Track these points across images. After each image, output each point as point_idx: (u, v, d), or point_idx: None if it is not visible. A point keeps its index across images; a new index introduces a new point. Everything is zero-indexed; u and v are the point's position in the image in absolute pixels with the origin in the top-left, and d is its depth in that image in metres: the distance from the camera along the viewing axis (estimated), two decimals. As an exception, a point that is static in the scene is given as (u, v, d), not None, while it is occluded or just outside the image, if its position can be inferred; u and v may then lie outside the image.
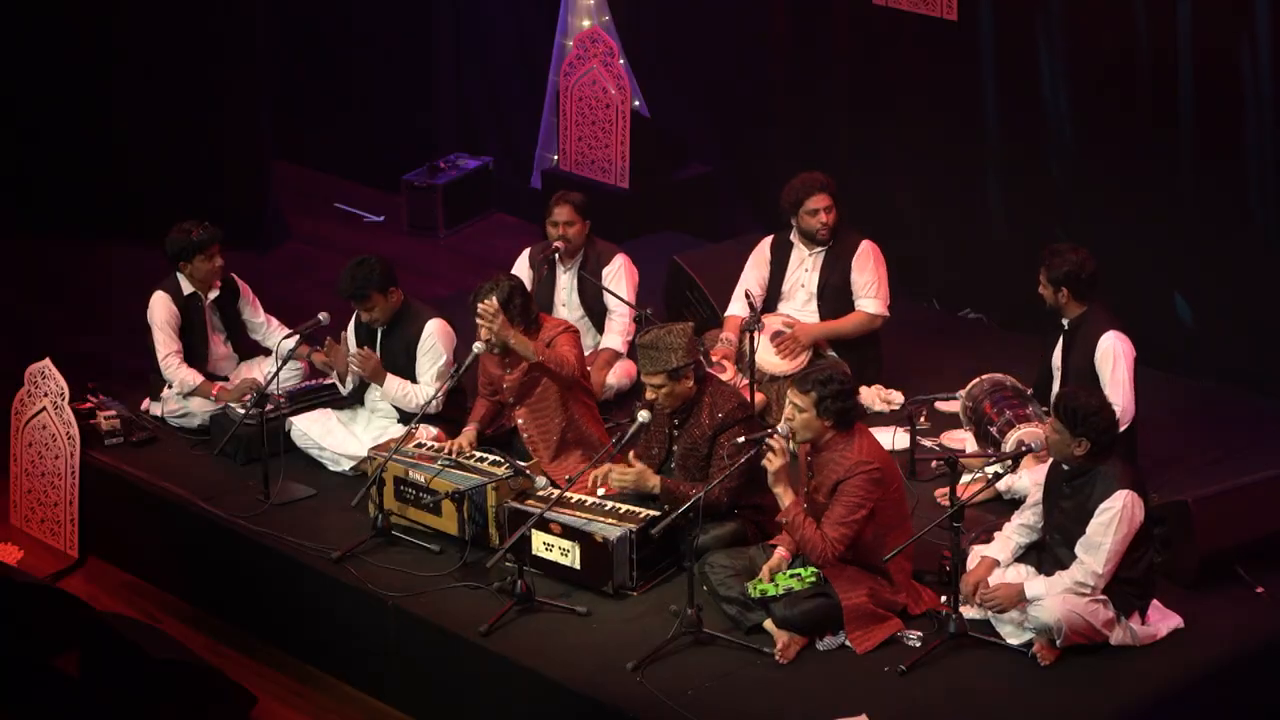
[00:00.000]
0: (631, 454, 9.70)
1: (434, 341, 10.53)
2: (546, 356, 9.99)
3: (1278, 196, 11.41)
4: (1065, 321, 10.19)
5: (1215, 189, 11.64)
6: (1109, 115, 12.02)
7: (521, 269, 11.33)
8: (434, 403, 10.42)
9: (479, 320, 10.04)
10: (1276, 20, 11.19)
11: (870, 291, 11.11)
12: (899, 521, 9.11)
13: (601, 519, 9.60)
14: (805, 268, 11.20)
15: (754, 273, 11.29)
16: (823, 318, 11.15)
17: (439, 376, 10.51)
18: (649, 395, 9.63)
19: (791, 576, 9.02)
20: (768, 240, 11.35)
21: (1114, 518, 8.79)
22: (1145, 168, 11.93)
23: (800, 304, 11.22)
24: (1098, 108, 12.06)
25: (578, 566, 9.50)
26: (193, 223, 10.96)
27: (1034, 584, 8.94)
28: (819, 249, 11.14)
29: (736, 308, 11.22)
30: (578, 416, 10.21)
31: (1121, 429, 9.62)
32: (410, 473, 9.97)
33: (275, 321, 11.30)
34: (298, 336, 10.70)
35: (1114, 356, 9.98)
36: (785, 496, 9.01)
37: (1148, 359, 10.49)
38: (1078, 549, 8.87)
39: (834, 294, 11.14)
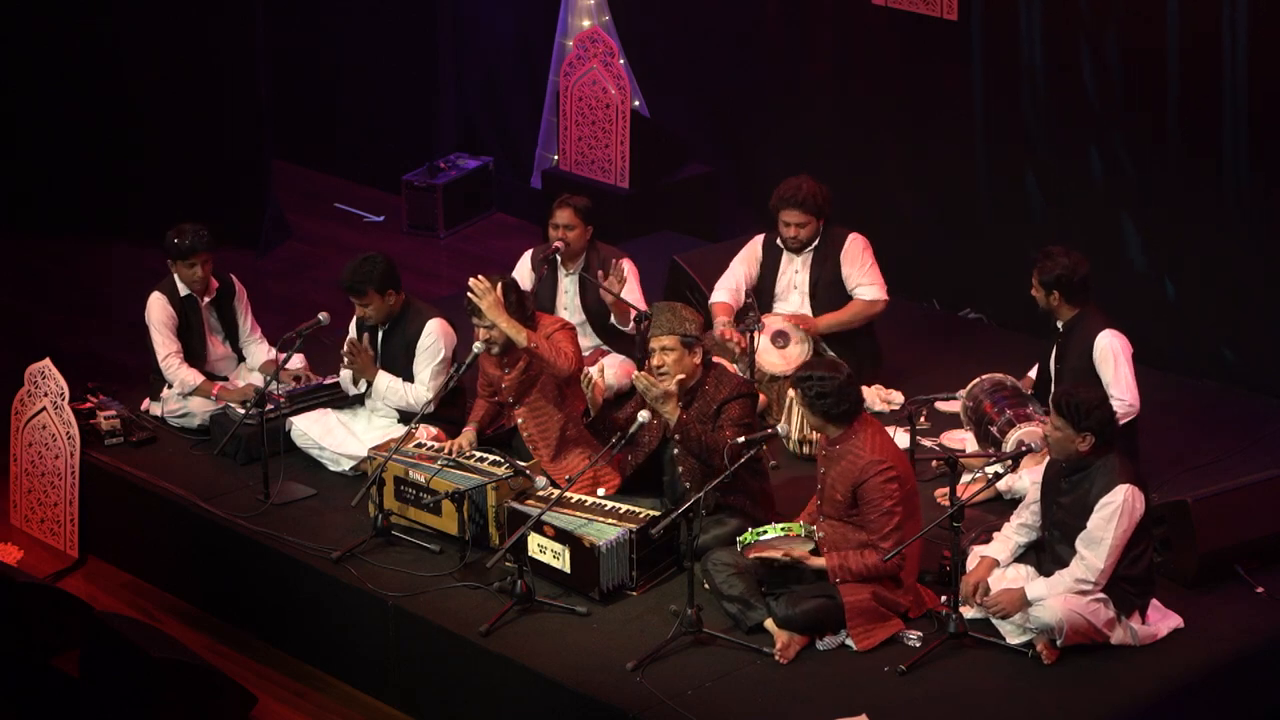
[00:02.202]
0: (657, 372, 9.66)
1: (433, 339, 10.53)
2: (540, 345, 9.98)
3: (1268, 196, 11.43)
4: (1059, 324, 10.21)
5: (1215, 189, 11.63)
6: (1111, 116, 12.01)
7: (522, 270, 11.34)
8: (429, 405, 10.42)
9: (470, 295, 10.03)
10: (1255, 16, 11.21)
11: (865, 279, 11.11)
12: (906, 517, 9.11)
13: (601, 519, 9.60)
14: (795, 268, 11.21)
15: (742, 268, 11.30)
16: (817, 315, 11.15)
17: (436, 374, 10.52)
18: (654, 361, 9.64)
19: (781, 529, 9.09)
20: (760, 238, 11.35)
21: (1115, 511, 8.79)
22: (1146, 168, 11.92)
23: (795, 305, 11.22)
24: (1099, 108, 12.05)
25: (568, 570, 9.50)
26: (193, 225, 10.93)
27: (1035, 585, 8.94)
28: (807, 252, 11.16)
29: (723, 294, 11.21)
30: (577, 415, 10.21)
31: (1125, 421, 9.66)
32: (410, 473, 9.96)
33: (260, 333, 11.29)
34: (297, 338, 10.68)
35: (1113, 354, 10.00)
36: (815, 564, 9.10)
37: (1147, 359, 10.50)
38: (1078, 544, 8.86)
39: (826, 292, 11.15)
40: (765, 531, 9.08)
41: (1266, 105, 11.26)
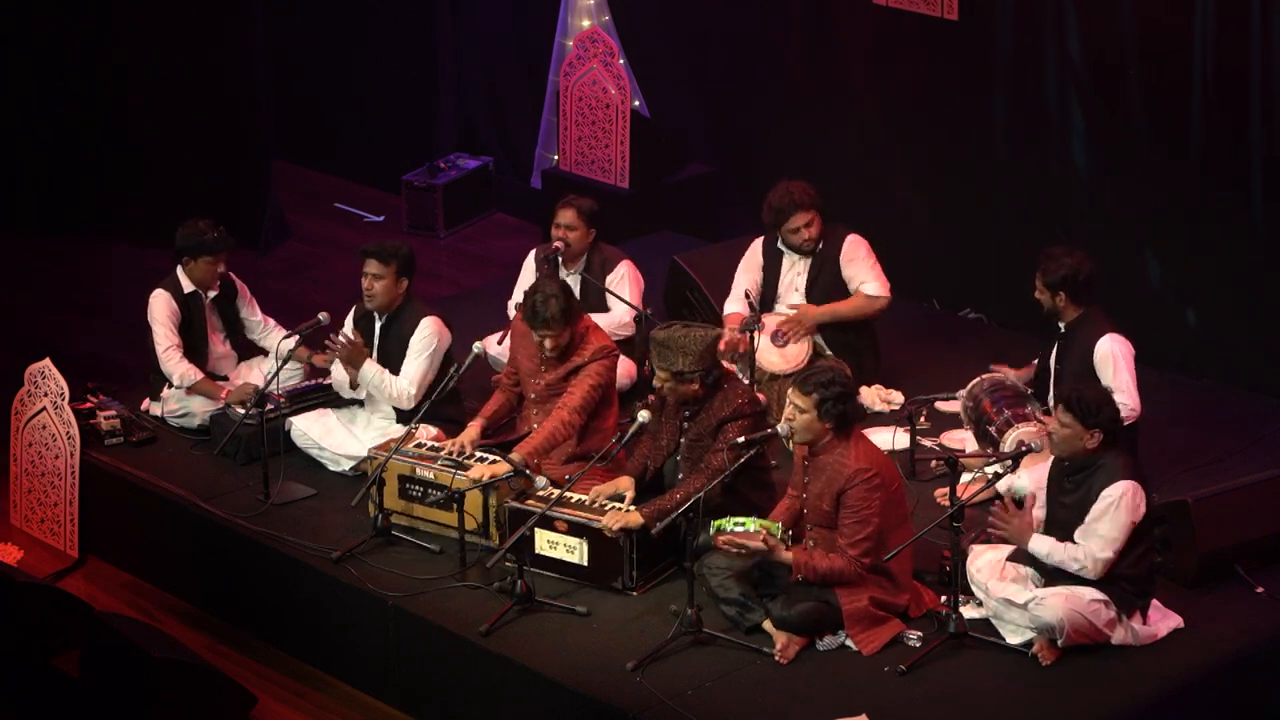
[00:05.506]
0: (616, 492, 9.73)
1: (427, 335, 10.50)
2: (555, 430, 9.95)
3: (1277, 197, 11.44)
4: (1062, 325, 10.20)
5: (1216, 189, 11.64)
6: (1112, 114, 12.01)
7: (528, 270, 11.35)
8: (410, 400, 10.40)
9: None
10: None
11: (869, 277, 11.11)
12: (899, 521, 9.11)
13: (603, 519, 9.59)
14: (797, 270, 11.21)
15: (746, 275, 11.30)
16: None
17: (424, 371, 10.46)
18: (656, 382, 9.67)
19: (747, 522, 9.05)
20: (759, 242, 11.35)
21: (1113, 505, 8.79)
22: (1146, 168, 11.92)
23: (793, 304, 11.23)
24: (1100, 107, 12.06)
25: (585, 563, 9.50)
26: (208, 223, 10.96)
27: (1040, 540, 8.87)
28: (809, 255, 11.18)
29: (735, 305, 11.22)
30: (594, 429, 10.16)
31: (1127, 424, 9.67)
32: (418, 470, 9.95)
33: (273, 321, 11.31)
34: (297, 337, 10.69)
35: (1114, 358, 10.00)
36: (784, 557, 9.04)
37: (1148, 359, 10.49)
38: (1077, 535, 8.86)
39: (823, 290, 11.14)
40: (743, 523, 9.05)
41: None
